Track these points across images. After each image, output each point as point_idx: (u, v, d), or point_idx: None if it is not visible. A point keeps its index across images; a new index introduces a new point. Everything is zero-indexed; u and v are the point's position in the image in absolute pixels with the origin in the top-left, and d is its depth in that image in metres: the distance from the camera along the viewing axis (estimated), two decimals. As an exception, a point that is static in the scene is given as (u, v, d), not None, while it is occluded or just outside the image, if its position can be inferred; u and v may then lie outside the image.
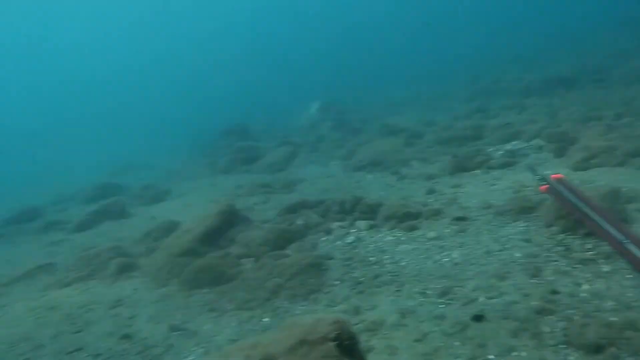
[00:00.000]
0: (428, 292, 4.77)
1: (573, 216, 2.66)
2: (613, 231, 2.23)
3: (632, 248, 1.94)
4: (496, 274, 4.64)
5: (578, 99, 14.46)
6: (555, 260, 4.62)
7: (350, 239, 6.81)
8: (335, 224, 7.45)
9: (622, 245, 2.02)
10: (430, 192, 7.80)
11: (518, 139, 10.01)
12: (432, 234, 6.00)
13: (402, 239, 6.21)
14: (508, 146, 9.67)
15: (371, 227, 6.90)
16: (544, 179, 3.08)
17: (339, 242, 6.82)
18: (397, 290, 5.01)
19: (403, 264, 5.55)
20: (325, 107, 27.03)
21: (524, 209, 5.86)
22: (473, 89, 23.53)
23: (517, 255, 4.92)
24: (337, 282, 5.60)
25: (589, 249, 4.67)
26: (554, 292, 4.12)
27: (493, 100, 19.48)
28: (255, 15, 70.71)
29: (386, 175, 10.11)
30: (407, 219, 6.63)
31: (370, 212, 7.27)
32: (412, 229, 6.37)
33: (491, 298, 4.30)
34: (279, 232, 7.14)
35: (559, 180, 2.93)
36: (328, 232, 7.27)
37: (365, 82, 37.75)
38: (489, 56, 32.34)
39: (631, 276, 4.06)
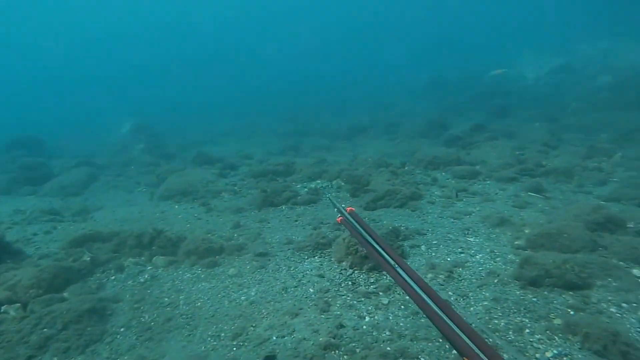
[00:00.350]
0: (222, 334, 4.45)
1: (358, 243, 3.06)
2: (387, 257, 2.47)
3: (400, 271, 2.32)
4: (290, 311, 4.63)
5: (373, 147, 16.74)
6: (343, 295, 4.90)
7: (144, 277, 6.04)
8: (130, 260, 6.56)
9: (394, 269, 2.34)
10: (237, 226, 7.62)
11: (322, 178, 10.79)
12: (232, 271, 5.75)
13: (202, 276, 5.78)
14: (313, 184, 10.32)
15: (170, 263, 6.26)
16: (340, 211, 3.33)
17: (130, 282, 5.97)
18: (190, 335, 4.55)
19: (199, 304, 5.11)
20: (139, 127, 24.83)
21: (320, 245, 6.18)
22: (291, 127, 25.03)
23: (311, 290, 5.06)
24: (123, 329, 4.80)
25: (372, 282, 5.14)
26: (341, 326, 4.30)
27: (306, 139, 21.08)
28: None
29: (195, 206, 9.55)
30: (209, 254, 6.24)
31: (171, 246, 6.63)
32: (213, 265, 6.01)
33: (283, 336, 4.24)
34: (57, 270, 5.82)
35: (351, 213, 3.17)
36: (120, 269, 6.33)
37: (192, 109, 36.68)
38: (309, 99, 35.30)
39: (404, 307, 4.57)
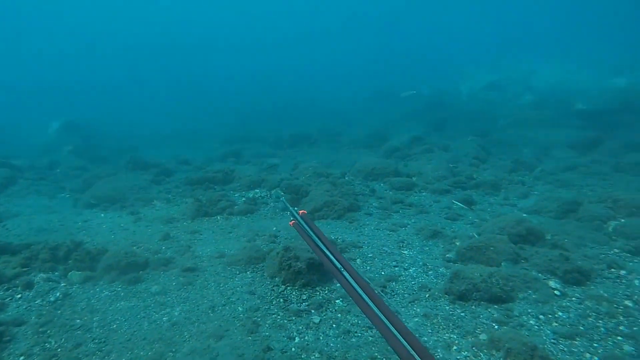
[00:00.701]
0: (137, 361, 4.06)
1: (309, 246, 3.06)
2: (333, 259, 2.59)
3: (345, 274, 2.41)
4: (215, 333, 4.33)
5: (315, 155, 16.70)
6: (274, 313, 4.68)
7: (55, 295, 5.44)
8: (41, 276, 5.89)
9: (339, 271, 2.41)
10: (166, 237, 7.15)
11: (261, 187, 10.51)
12: (156, 288, 5.32)
13: (121, 294, 5.29)
14: (251, 193, 10.01)
15: (87, 279, 5.70)
16: (292, 215, 3.45)
17: (39, 301, 5.35)
18: (101, 362, 4.11)
19: (115, 326, 4.64)
20: (68, 127, 23.08)
21: (253, 259, 5.92)
22: (235, 133, 24.44)
23: (240, 309, 4.78)
24: (22, 358, 4.24)
25: (304, 299, 4.96)
26: (268, 348, 4.08)
27: (248, 146, 20.63)
28: None
29: (123, 215, 8.90)
30: (131, 269, 5.75)
31: (90, 260, 6.05)
32: (136, 281, 5.55)
33: (205, 363, 3.94)
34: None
35: (303, 216, 3.26)
36: (28, 286, 5.67)
37: (134, 110, 34.77)
38: (256, 105, 34.75)
39: (335, 325, 4.43)
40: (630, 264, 5.54)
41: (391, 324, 1.92)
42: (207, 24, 67.76)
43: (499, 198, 9.56)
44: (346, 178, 11.74)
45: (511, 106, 23.38)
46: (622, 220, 7.39)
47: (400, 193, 9.92)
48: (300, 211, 3.29)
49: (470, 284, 4.75)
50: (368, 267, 5.87)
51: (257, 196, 9.88)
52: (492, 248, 5.73)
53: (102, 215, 8.97)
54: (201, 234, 7.41)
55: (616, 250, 5.98)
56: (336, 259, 2.61)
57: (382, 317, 1.98)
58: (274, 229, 7.50)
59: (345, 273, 2.44)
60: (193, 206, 8.59)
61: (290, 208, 3.38)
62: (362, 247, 6.62)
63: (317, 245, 2.86)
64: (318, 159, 15.32)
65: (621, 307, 4.42)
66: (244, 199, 9.68)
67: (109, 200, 9.76)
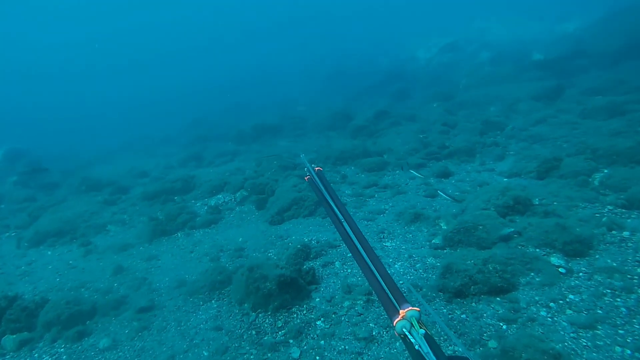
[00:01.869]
0: None
1: (317, 196, 2.95)
2: (337, 212, 2.52)
3: (345, 224, 2.36)
4: (176, 392, 3.53)
5: (281, 147, 15.80)
6: (245, 353, 3.90)
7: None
8: (-32, 347, 4.91)
9: (340, 221, 2.41)
10: (118, 270, 6.21)
11: (225, 190, 9.61)
12: (105, 342, 4.44)
13: (64, 357, 4.38)
14: (213, 200, 9.11)
15: (23, 344, 4.74)
16: (309, 171, 3.26)
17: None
18: None
19: (56, 403, 3.78)
20: (11, 155, 21.25)
21: (217, 284, 5.09)
22: (194, 134, 23.16)
23: (205, 354, 3.98)
24: None
25: (280, 327, 4.19)
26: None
27: (209, 146, 19.48)
28: None
29: (73, 248, 7.88)
30: (76, 322, 4.84)
31: (27, 318, 5.09)
32: (81, 337, 4.64)
33: None
34: None
35: (318, 173, 3.17)
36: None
37: (82, 124, 32.66)
38: (214, 103, 33.24)
39: (319, 358, 3.70)
40: (629, 221, 5.01)
41: (377, 271, 1.94)
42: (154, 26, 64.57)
43: (476, 164, 9.00)
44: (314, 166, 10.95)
45: (470, 66, 22.94)
46: (606, 171, 6.94)
47: (373, 174, 9.22)
48: (317, 168, 3.22)
49: (465, 277, 4.09)
50: (348, 270, 5.16)
51: (220, 202, 8.98)
52: (480, 227, 5.09)
53: (49, 253, 7.91)
54: (159, 259, 6.49)
55: (610, 207, 5.45)
56: (340, 212, 2.55)
57: (370, 265, 2.01)
58: (240, 239, 6.67)
59: (345, 224, 2.42)
60: (149, 226, 7.64)
61: (309, 165, 3.30)
62: (339, 245, 5.89)
63: (325, 199, 2.79)
64: (284, 150, 14.47)
65: (636, 278, 3.85)
66: (206, 207, 8.78)
67: (57, 234, 8.66)
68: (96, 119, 34.54)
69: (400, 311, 1.56)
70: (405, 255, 5.24)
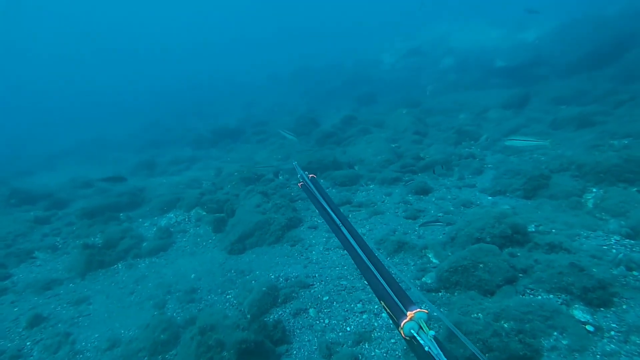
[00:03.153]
0: None
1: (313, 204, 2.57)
2: (333, 216, 2.27)
3: (343, 229, 2.10)
4: None
5: (242, 152, 14.61)
6: None
7: None
8: None
9: (338, 226, 2.16)
10: (34, 322, 4.90)
11: (178, 207, 8.38)
12: None
13: None
14: (164, 220, 7.86)
15: None
16: (303, 178, 2.81)
17: None
18: None
19: None
20: None
21: (160, 346, 3.96)
22: (149, 137, 21.44)
23: None
24: None
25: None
26: None
27: (164, 151, 17.92)
28: None
29: (-14, 284, 6.39)
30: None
31: None
32: None
33: None
34: None
35: (312, 179, 2.74)
36: None
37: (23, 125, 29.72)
38: (171, 103, 31.28)
39: None
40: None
41: (380, 275, 1.80)
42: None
43: (454, 178, 8.29)
44: (280, 178, 9.93)
45: (435, 71, 22.63)
46: (595, 191, 6.40)
47: (345, 189, 8.31)
48: (310, 175, 2.87)
49: (478, 342, 3.22)
50: (326, 321, 4.18)
51: (172, 222, 7.75)
52: (481, 265, 4.27)
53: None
54: (90, 304, 5.22)
55: (617, 238, 4.80)
56: (338, 218, 2.29)
57: (375, 271, 1.84)
58: (193, 275, 5.52)
59: (343, 229, 2.20)
60: (83, 256, 6.32)
61: (302, 172, 2.95)
62: (312, 284, 4.90)
63: (322, 206, 2.49)
64: (245, 157, 13.30)
65: (682, 340, 3.13)
66: (155, 229, 7.52)
67: (-31, 263, 7.13)
68: (48, 114, 31.61)
69: (408, 313, 1.47)
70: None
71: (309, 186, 2.70)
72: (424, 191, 7.62)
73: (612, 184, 6.49)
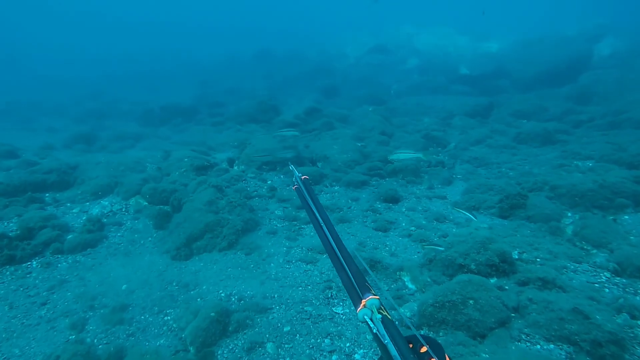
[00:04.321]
0: None
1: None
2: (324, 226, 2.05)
3: (325, 229, 1.98)
4: None
5: (194, 134, 13.32)
6: None
7: None
8: None
9: (321, 226, 2.02)
10: None
11: (115, 193, 7.18)
12: None
13: None
14: (97, 207, 6.65)
15: None
16: (296, 181, 2.46)
17: None
18: None
19: None
20: None
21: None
22: (90, 106, 19.27)
23: None
24: None
25: None
26: None
27: (107, 124, 16.10)
28: None
29: None
30: None
31: None
32: None
33: None
34: None
35: (304, 181, 2.45)
36: None
37: None
38: (120, 71, 28.67)
39: None
40: (638, 298, 3.96)
41: (347, 266, 1.73)
42: None
43: (423, 187, 7.76)
44: (235, 169, 8.93)
45: (400, 70, 22.25)
46: (570, 215, 6.12)
47: (308, 190, 7.49)
48: (303, 177, 2.45)
49: (480, 413, 2.58)
50: (288, 360, 3.39)
51: (106, 212, 6.56)
52: (471, 302, 3.66)
53: None
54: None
55: (607, 275, 4.40)
56: (321, 218, 2.10)
57: (341, 259, 1.77)
58: (124, 286, 4.49)
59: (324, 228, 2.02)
60: (-16, 251, 5.04)
61: (297, 173, 2.51)
62: (271, 308, 4.07)
63: (312, 210, 2.20)
64: (198, 140, 12.05)
65: None
66: (84, 218, 6.29)
67: None
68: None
69: (362, 300, 1.50)
70: (369, 338, 3.61)
71: (301, 189, 2.49)
72: (394, 199, 7.00)
73: (587, 209, 6.23)
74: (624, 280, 4.26)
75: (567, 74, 17.21)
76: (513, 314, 3.70)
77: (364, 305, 1.49)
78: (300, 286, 4.45)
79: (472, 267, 4.32)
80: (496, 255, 4.37)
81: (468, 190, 7.31)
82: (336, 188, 7.64)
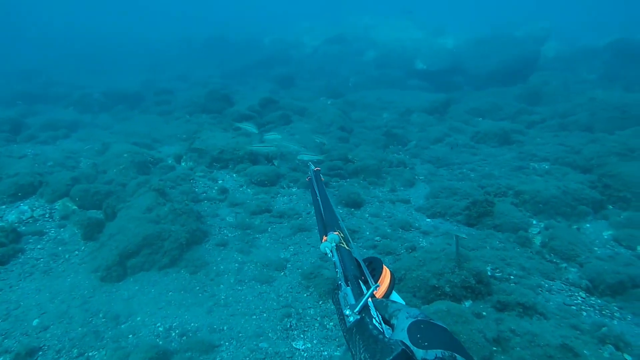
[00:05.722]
0: None
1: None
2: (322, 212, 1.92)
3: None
4: None
5: (139, 124, 12.07)
6: None
7: None
8: None
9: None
10: None
11: (39, 194, 6.09)
12: None
13: None
14: (14, 213, 5.56)
15: None
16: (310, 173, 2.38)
17: None
18: None
19: None
20: None
21: None
22: (18, 89, 17.14)
23: None
24: None
25: None
26: None
27: (39, 109, 14.35)
28: None
29: None
30: None
31: None
32: None
33: None
34: None
35: (316, 173, 2.37)
36: None
37: None
38: (56, 53, 25.95)
39: None
40: (615, 322, 3.70)
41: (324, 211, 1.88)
42: None
43: (386, 189, 7.32)
44: (183, 165, 8.04)
45: (357, 62, 21.78)
46: (535, 223, 5.90)
47: (264, 192, 6.80)
48: (315, 168, 2.38)
49: None
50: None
51: (25, 218, 5.50)
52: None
53: None
54: None
55: (582, 295, 4.13)
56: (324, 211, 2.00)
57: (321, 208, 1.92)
58: (36, 322, 3.60)
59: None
60: None
61: (312, 166, 2.45)
62: (220, 346, 3.40)
63: (317, 199, 2.15)
64: (142, 131, 10.88)
65: None
66: (-5, 227, 5.22)
67: None
68: None
69: (324, 237, 1.63)
70: (336, 384, 3.05)
71: (312, 181, 2.42)
72: (356, 204, 6.48)
73: (551, 216, 6.05)
74: (599, 301, 4.01)
75: (518, 74, 17.53)
76: (495, 347, 3.29)
77: (325, 240, 1.60)
78: (254, 314, 3.80)
79: (447, 289, 3.88)
80: (472, 275, 3.95)
81: (432, 194, 6.95)
82: (294, 189, 7.01)
